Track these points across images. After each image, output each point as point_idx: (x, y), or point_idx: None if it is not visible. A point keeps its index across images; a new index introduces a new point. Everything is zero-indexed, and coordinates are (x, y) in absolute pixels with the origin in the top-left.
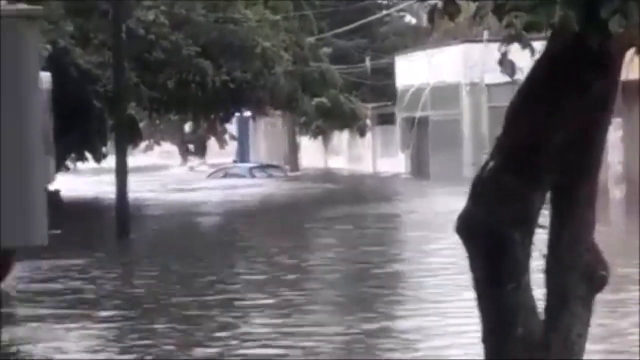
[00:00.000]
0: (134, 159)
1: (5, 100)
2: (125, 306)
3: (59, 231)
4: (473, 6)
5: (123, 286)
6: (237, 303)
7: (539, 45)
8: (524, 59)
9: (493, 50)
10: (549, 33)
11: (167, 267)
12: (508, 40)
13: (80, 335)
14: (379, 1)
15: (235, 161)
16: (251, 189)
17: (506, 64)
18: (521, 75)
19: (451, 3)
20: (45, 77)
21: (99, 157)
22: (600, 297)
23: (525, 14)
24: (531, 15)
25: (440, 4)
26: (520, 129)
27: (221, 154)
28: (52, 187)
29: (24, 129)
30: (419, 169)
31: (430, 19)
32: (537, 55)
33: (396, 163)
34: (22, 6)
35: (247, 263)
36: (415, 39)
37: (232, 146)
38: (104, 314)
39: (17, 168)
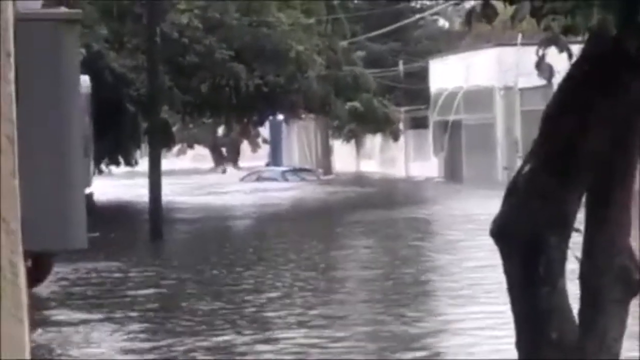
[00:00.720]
0: (167, 162)
1: (47, 104)
2: (156, 308)
3: (97, 234)
4: (510, 9)
5: (156, 289)
6: (261, 315)
7: (576, 49)
8: (561, 63)
9: (527, 54)
10: (586, 36)
11: (198, 271)
12: (545, 43)
13: (114, 336)
14: (413, 5)
15: (267, 164)
16: (284, 192)
17: (544, 67)
18: (557, 79)
19: (489, 6)
20: (84, 81)
21: (131, 160)
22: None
23: (562, 17)
24: (569, 18)
25: (477, 7)
26: (557, 132)
27: (254, 157)
28: (87, 189)
29: (65, 132)
30: (452, 172)
31: (468, 22)
32: (575, 59)
33: (429, 167)
34: (62, 10)
35: (277, 271)
36: (448, 43)
37: (265, 150)
38: (136, 315)
39: (58, 171)
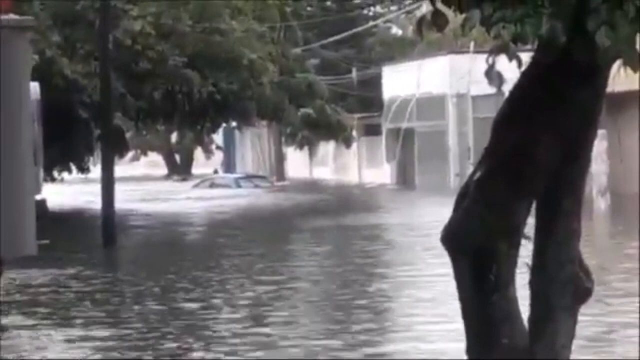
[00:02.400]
0: (121, 169)
1: None
2: (107, 315)
3: (47, 241)
4: (461, 18)
5: (107, 295)
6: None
7: (527, 57)
8: (511, 71)
9: (479, 62)
10: (536, 45)
11: (151, 277)
12: (495, 51)
13: (63, 344)
14: (366, 12)
15: (216, 171)
16: (237, 199)
17: (493, 76)
18: (508, 87)
19: (439, 14)
20: (34, 87)
21: (84, 167)
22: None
23: (513, 25)
24: (519, 27)
25: (428, 16)
26: (507, 140)
27: (208, 164)
28: (38, 197)
29: (14, 140)
30: (405, 180)
31: (419, 30)
32: (525, 67)
33: (382, 174)
34: (13, 17)
35: (227, 276)
36: (402, 51)
37: (219, 157)
38: (86, 321)
39: (8, 179)
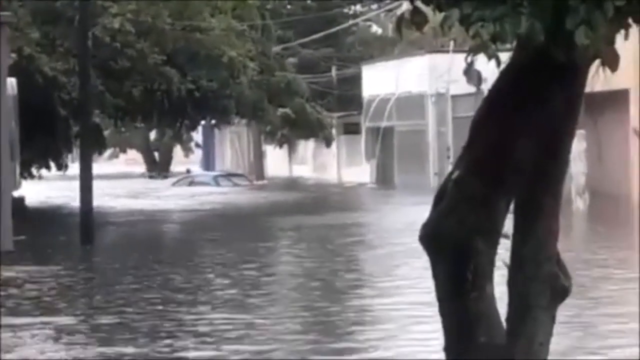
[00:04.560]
0: (99, 166)
1: None
2: (84, 312)
3: (23, 237)
4: (439, 16)
5: (83, 292)
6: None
7: (505, 56)
8: (490, 70)
9: (459, 61)
10: (515, 44)
11: (128, 274)
12: (474, 50)
13: (39, 341)
14: (346, 11)
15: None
16: (215, 197)
17: (472, 74)
18: (487, 86)
19: (418, 13)
20: (11, 83)
21: (62, 164)
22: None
23: (491, 24)
24: (497, 26)
25: (407, 14)
26: (485, 139)
27: (187, 162)
28: (17, 193)
29: None
30: (384, 178)
31: (398, 29)
32: (503, 66)
33: (361, 172)
34: None
35: (203, 273)
36: (381, 49)
37: (198, 154)
38: (63, 320)
39: None
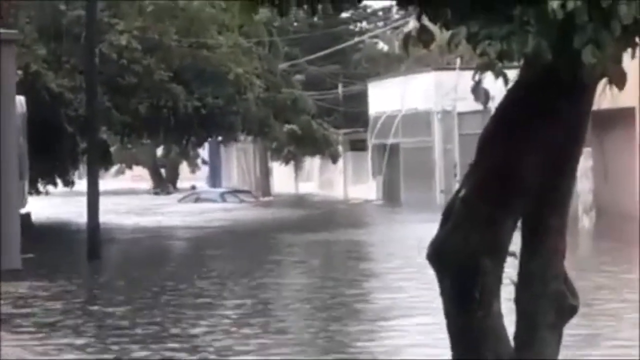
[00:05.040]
0: (106, 182)
1: None
2: (91, 329)
3: (32, 255)
4: (447, 34)
5: (90, 308)
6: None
7: (512, 74)
8: (497, 88)
9: (465, 79)
10: (522, 62)
11: (134, 291)
12: (481, 68)
13: (45, 357)
14: (352, 28)
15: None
16: (222, 213)
17: (479, 92)
18: (494, 104)
19: (425, 31)
20: (20, 101)
21: (69, 181)
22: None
23: (498, 42)
24: (505, 44)
25: (414, 32)
26: (492, 157)
27: (193, 178)
28: (23, 210)
29: (0, 153)
30: (390, 195)
31: (405, 46)
32: (510, 84)
33: (367, 189)
34: None
35: (209, 290)
36: (387, 66)
37: (204, 171)
38: (68, 334)
39: None
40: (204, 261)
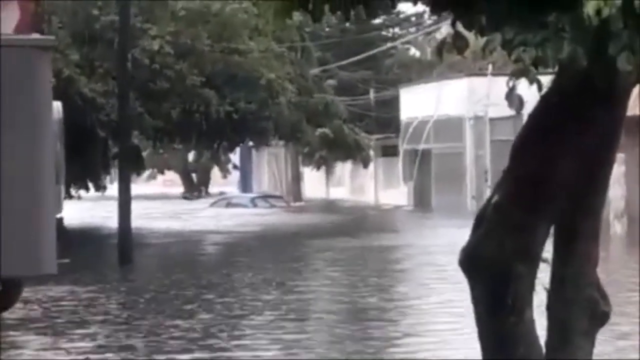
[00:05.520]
0: (137, 187)
1: (21, 131)
2: (122, 334)
3: (67, 260)
4: (481, 40)
5: (123, 313)
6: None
7: (546, 81)
8: (531, 94)
9: (497, 85)
10: (556, 68)
11: (167, 296)
12: (516, 74)
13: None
14: (384, 34)
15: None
16: (253, 218)
17: (513, 98)
18: (527, 110)
19: (460, 37)
20: (57, 106)
21: (101, 185)
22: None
23: (533, 49)
24: (539, 51)
25: (449, 38)
26: (526, 163)
27: (224, 183)
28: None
29: (37, 159)
30: (422, 201)
31: (439, 52)
32: (544, 90)
33: (399, 195)
34: (35, 36)
35: (239, 298)
36: (419, 72)
37: (235, 175)
38: (102, 339)
39: (30, 197)
40: (234, 267)
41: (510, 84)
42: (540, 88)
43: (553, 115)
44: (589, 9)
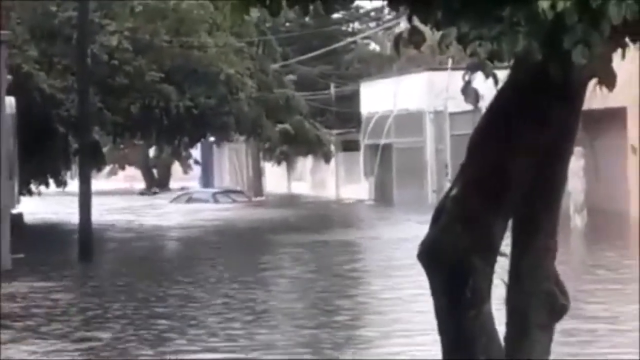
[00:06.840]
0: (98, 183)
1: None
2: (78, 330)
3: (22, 255)
4: (437, 35)
5: (80, 310)
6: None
7: (503, 75)
8: (488, 88)
9: (457, 79)
10: (512, 62)
11: (126, 292)
12: (471, 68)
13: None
14: (344, 29)
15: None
16: (214, 213)
17: (469, 92)
18: (484, 104)
19: (416, 32)
20: (10, 101)
21: (61, 181)
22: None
23: (489, 43)
24: (495, 45)
25: (405, 33)
26: (483, 157)
27: (185, 178)
28: (15, 210)
29: None
30: (383, 195)
31: (396, 47)
32: (501, 84)
33: (360, 190)
34: None
35: (200, 292)
36: (379, 67)
37: (197, 171)
38: (57, 336)
39: None
40: (195, 262)
41: (466, 78)
42: (496, 82)
43: (509, 109)
44: (544, 3)
